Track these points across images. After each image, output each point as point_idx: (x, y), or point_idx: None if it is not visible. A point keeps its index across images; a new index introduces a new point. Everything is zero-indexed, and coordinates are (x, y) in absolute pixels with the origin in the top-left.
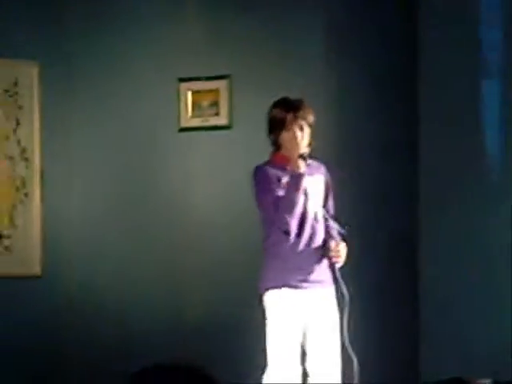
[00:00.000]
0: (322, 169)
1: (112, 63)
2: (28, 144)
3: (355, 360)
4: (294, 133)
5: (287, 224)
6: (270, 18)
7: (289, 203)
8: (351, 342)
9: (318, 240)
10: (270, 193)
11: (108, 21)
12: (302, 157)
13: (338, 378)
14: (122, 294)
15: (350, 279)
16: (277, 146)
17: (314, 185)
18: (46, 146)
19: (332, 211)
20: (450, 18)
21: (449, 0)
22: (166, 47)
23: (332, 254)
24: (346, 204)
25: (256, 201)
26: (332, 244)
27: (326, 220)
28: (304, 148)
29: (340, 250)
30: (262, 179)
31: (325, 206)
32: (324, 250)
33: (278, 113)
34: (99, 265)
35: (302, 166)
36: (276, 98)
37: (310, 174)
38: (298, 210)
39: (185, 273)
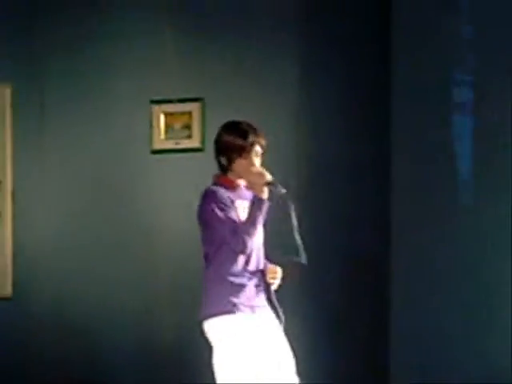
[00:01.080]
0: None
1: (85, 85)
2: (0, 167)
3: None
4: (252, 160)
5: (245, 246)
6: (244, 42)
7: (250, 227)
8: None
9: (261, 266)
10: (224, 215)
11: (81, 44)
12: (269, 184)
13: None
14: (93, 314)
15: (315, 300)
16: (225, 169)
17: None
18: (17, 167)
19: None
20: (423, 56)
21: (422, 39)
22: (139, 69)
23: (269, 275)
24: (314, 226)
25: (203, 223)
26: (270, 267)
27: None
28: (269, 175)
29: (277, 273)
30: (214, 202)
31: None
32: (262, 272)
33: (234, 139)
34: (71, 285)
35: (266, 193)
36: (248, 120)
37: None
38: (256, 234)
39: (155, 293)
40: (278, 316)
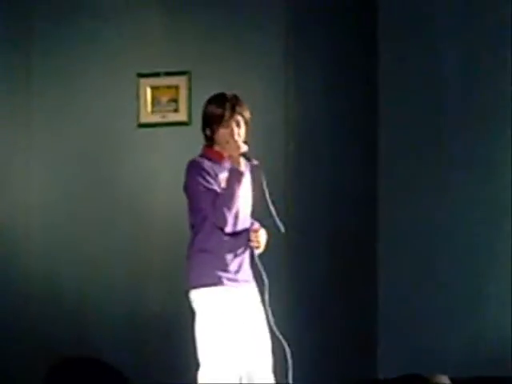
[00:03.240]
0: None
1: (71, 59)
2: None
3: (286, 346)
4: (232, 129)
5: (225, 220)
6: (229, 14)
7: (228, 199)
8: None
9: (247, 237)
10: (207, 187)
11: (67, 16)
12: (244, 155)
13: (271, 376)
14: (82, 288)
15: (306, 274)
16: (210, 140)
17: (246, 183)
18: (3, 142)
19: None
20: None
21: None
22: (126, 43)
23: (252, 238)
24: (304, 201)
25: (189, 194)
26: (253, 228)
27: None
28: (244, 146)
29: (260, 236)
30: (198, 173)
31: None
32: (245, 234)
33: (214, 109)
34: (58, 259)
35: (243, 164)
36: (235, 93)
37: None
38: (236, 206)
39: (144, 266)
40: (261, 279)
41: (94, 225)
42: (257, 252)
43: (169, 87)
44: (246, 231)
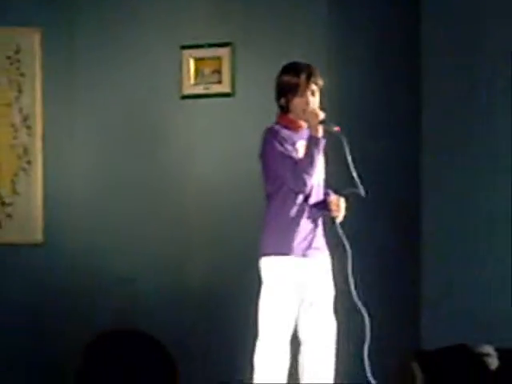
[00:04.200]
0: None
1: (114, 31)
2: (30, 112)
3: (366, 316)
4: (308, 98)
5: (305, 185)
6: None
7: (308, 165)
8: (359, 298)
9: (321, 206)
10: (285, 153)
11: None
12: (322, 122)
13: (332, 349)
14: (126, 261)
15: (355, 243)
16: (285, 110)
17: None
18: (48, 114)
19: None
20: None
21: None
22: (169, 15)
23: (333, 207)
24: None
25: (266, 161)
26: (332, 199)
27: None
28: (322, 113)
29: (340, 205)
30: (276, 139)
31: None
32: (324, 205)
33: (290, 78)
34: (102, 232)
35: (321, 131)
36: (278, 67)
37: None
38: (315, 173)
39: (187, 239)
40: (343, 248)
41: (137, 196)
42: (338, 221)
43: (212, 59)
44: (321, 200)
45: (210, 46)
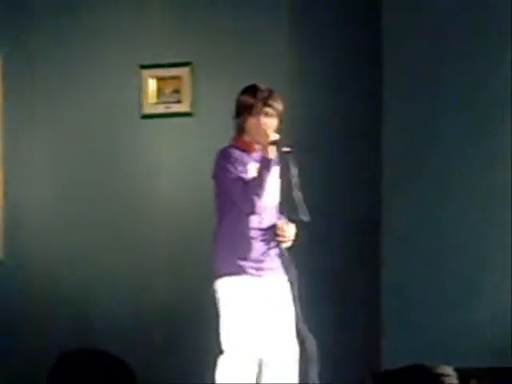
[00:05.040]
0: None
1: (74, 50)
2: None
3: (313, 340)
4: (260, 119)
5: (253, 206)
6: (233, 4)
7: (257, 186)
8: (307, 323)
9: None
10: (236, 175)
11: (70, 8)
12: (274, 143)
13: (296, 366)
14: (83, 280)
15: (314, 264)
16: (241, 130)
17: (274, 174)
18: (7, 134)
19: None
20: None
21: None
22: (129, 34)
23: (279, 232)
24: (309, 190)
25: (218, 183)
26: (279, 224)
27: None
28: (275, 135)
29: (287, 230)
30: (228, 161)
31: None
32: (272, 230)
33: (247, 98)
34: (62, 252)
35: (272, 152)
36: (239, 86)
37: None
38: (265, 194)
39: (148, 260)
40: (290, 274)
41: (98, 216)
42: (285, 245)
43: (172, 78)
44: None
45: (170, 65)
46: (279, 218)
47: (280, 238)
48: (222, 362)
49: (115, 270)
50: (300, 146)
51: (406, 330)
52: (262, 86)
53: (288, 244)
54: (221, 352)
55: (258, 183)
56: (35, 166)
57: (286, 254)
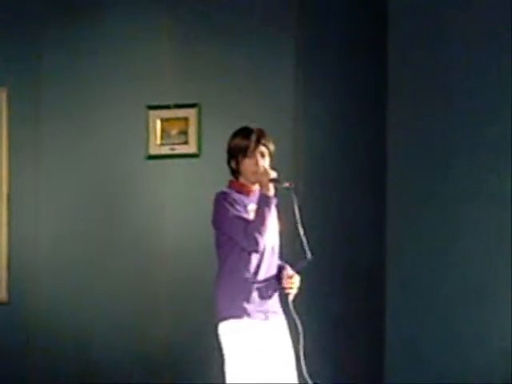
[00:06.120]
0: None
1: (81, 90)
2: None
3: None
4: (257, 159)
5: (257, 244)
6: (239, 47)
7: (259, 224)
8: (309, 374)
9: (273, 271)
10: (236, 215)
11: (78, 48)
12: (273, 180)
13: None
14: (87, 320)
15: (318, 308)
16: (236, 174)
17: (272, 217)
18: (13, 172)
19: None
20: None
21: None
22: (136, 74)
23: (285, 284)
24: (312, 232)
25: (218, 224)
26: (286, 274)
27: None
28: (273, 172)
29: (294, 282)
30: (227, 202)
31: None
32: (278, 280)
33: (240, 140)
34: (67, 291)
35: (272, 190)
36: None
37: None
38: (267, 231)
39: (151, 300)
40: (295, 325)
41: (102, 256)
42: (290, 297)
43: (178, 119)
44: (272, 265)
45: (177, 106)
46: (282, 268)
47: (287, 290)
48: None
49: (118, 310)
50: (303, 184)
51: (410, 375)
52: (252, 127)
53: (293, 295)
54: None
55: (260, 220)
56: (41, 206)
57: (292, 307)
